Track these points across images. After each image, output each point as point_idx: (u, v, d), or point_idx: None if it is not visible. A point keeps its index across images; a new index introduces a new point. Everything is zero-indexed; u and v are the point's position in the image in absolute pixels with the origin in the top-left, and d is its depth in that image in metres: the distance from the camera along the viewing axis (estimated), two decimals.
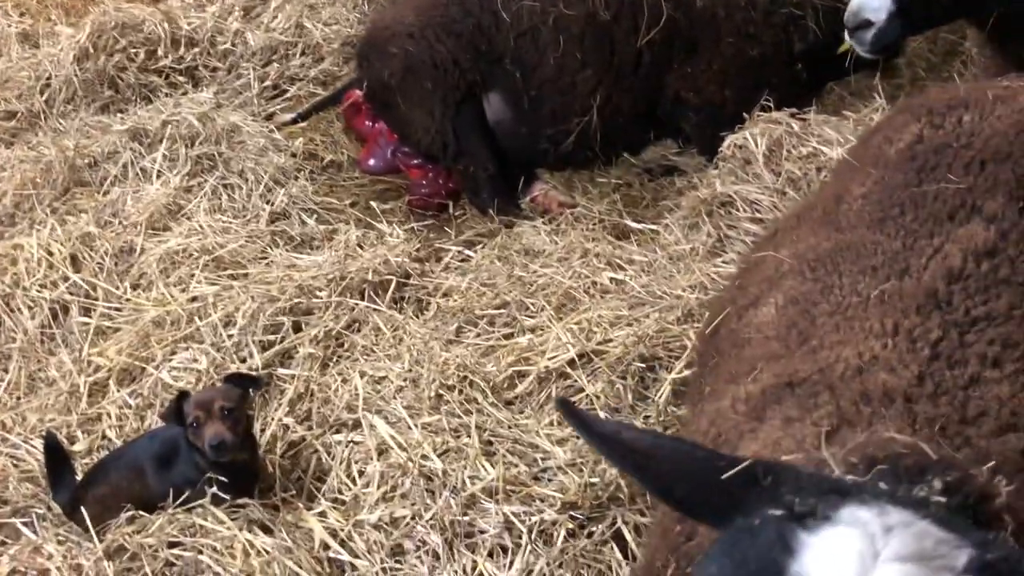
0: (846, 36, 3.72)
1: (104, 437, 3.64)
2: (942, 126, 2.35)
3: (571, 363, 3.65)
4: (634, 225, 4.74)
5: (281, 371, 3.84)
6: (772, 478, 1.31)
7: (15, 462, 3.58)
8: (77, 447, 3.61)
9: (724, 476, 1.31)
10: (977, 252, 1.97)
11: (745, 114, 4.73)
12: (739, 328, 2.34)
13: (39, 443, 3.53)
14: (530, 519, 3.06)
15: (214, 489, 3.11)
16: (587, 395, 3.51)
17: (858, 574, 1.16)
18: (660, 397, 3.50)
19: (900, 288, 1.94)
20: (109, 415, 3.70)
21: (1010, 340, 1.81)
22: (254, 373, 3.64)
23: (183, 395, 3.15)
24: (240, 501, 3.18)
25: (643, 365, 3.62)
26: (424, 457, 3.32)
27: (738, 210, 4.31)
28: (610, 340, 3.72)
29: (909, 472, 1.33)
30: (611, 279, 4.13)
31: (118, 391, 3.76)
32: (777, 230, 2.62)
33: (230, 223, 4.65)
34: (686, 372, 3.47)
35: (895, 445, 1.39)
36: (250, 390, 3.25)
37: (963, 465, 1.39)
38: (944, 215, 2.12)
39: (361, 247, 4.57)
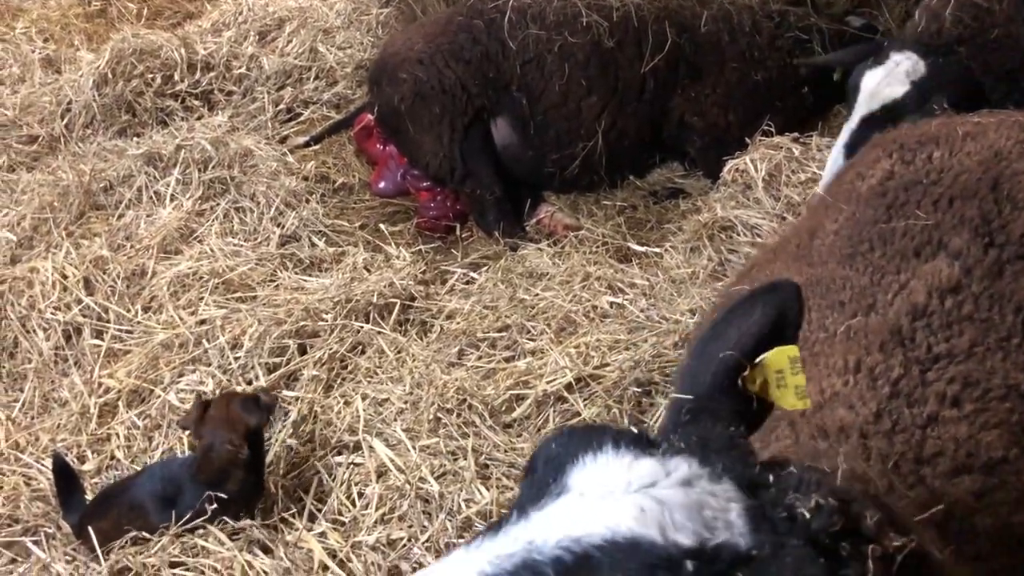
0: None
1: (113, 457, 3.73)
2: (912, 162, 2.39)
3: (568, 387, 3.70)
4: (637, 248, 4.79)
5: (286, 393, 3.92)
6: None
7: (27, 480, 3.67)
8: (87, 467, 3.70)
9: None
10: (941, 288, 1.99)
11: (747, 139, 4.78)
12: None
13: (50, 463, 3.62)
14: None
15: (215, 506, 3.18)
16: (583, 419, 3.56)
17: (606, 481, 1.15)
18: (656, 422, 3.54)
19: (865, 324, 1.97)
20: (118, 436, 3.79)
21: (971, 378, 1.82)
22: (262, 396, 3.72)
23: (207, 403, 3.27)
24: (241, 524, 3.25)
25: (639, 389, 3.66)
26: (422, 480, 3.38)
27: (738, 234, 4.36)
28: (607, 364, 3.77)
29: (793, 479, 1.20)
30: (611, 303, 4.19)
31: (127, 412, 3.86)
32: (753, 265, 2.66)
33: (240, 246, 4.75)
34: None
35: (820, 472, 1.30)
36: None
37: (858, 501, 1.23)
38: (911, 251, 2.15)
39: (368, 270, 4.65)
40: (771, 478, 1.19)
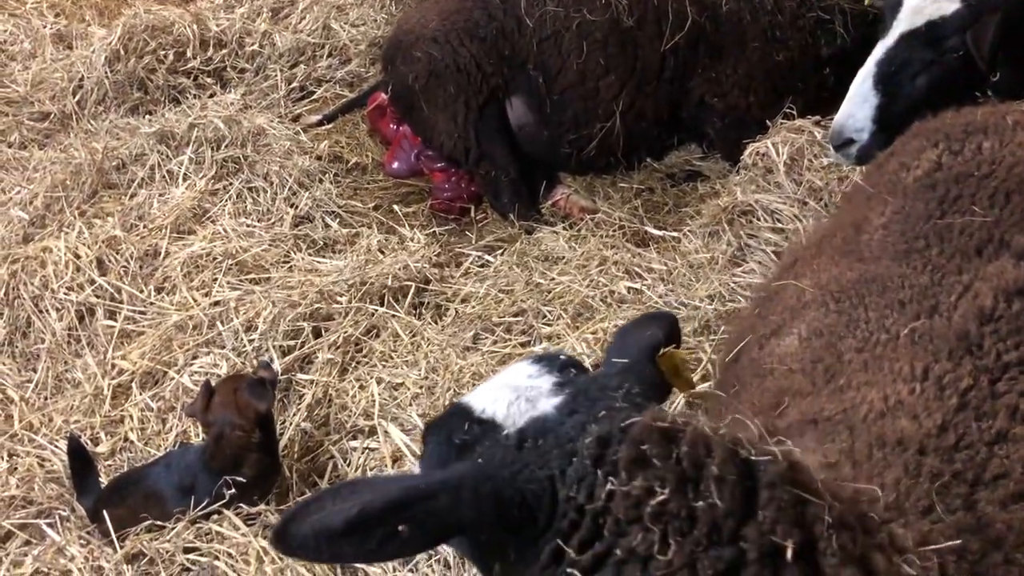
0: (830, 150, 3.77)
1: (126, 439, 3.72)
2: (960, 153, 2.29)
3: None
4: (655, 232, 4.73)
5: (300, 376, 3.89)
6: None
7: (41, 462, 3.66)
8: (100, 448, 3.68)
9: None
10: (1008, 291, 1.89)
11: (768, 121, 4.70)
12: (760, 358, 2.30)
13: (65, 444, 3.60)
14: None
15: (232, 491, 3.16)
16: None
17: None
18: (674, 410, 3.48)
19: (930, 328, 1.89)
20: (131, 418, 3.77)
21: None
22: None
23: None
24: (255, 509, 3.23)
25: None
26: None
27: (759, 219, 4.29)
28: None
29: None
30: (628, 288, 4.13)
31: (140, 394, 3.83)
32: (796, 259, 2.57)
33: (254, 227, 4.71)
34: (702, 386, 3.46)
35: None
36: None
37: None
38: (971, 250, 2.05)
39: (382, 252, 4.60)
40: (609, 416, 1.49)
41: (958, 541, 1.45)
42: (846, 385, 1.92)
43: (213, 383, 3.35)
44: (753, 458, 1.40)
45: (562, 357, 1.75)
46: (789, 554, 1.32)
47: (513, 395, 1.61)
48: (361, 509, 1.39)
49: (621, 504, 1.36)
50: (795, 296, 2.37)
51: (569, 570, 1.37)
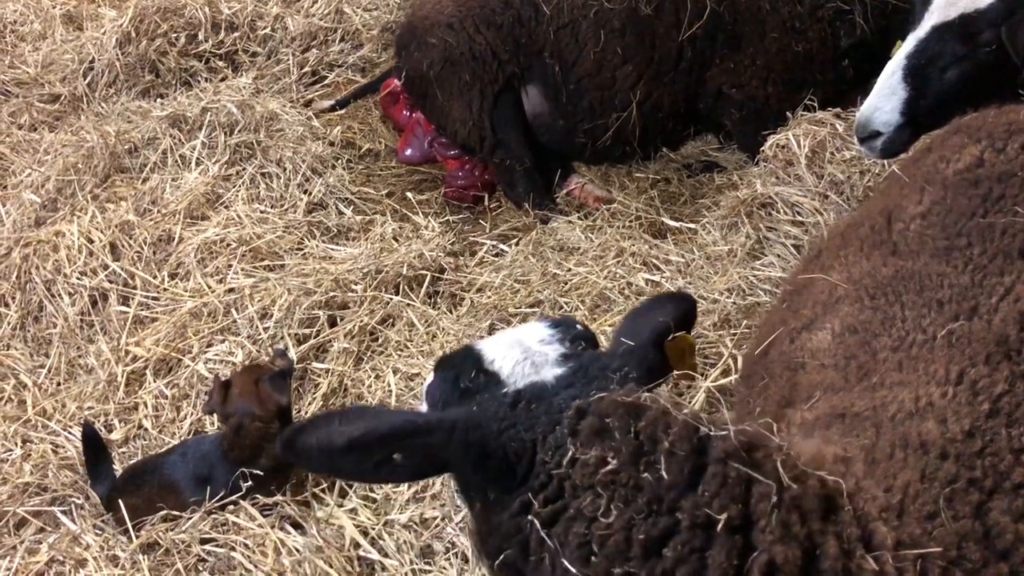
0: (855, 141, 3.69)
1: (140, 427, 3.69)
2: (1004, 151, 2.25)
3: None
4: (671, 223, 4.68)
5: (316, 365, 3.86)
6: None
7: (55, 449, 3.64)
8: (114, 436, 3.66)
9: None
10: None
11: (788, 113, 4.65)
12: (791, 351, 2.28)
13: (78, 431, 3.58)
14: None
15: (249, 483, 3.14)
16: None
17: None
18: (695, 404, 3.46)
19: (969, 330, 1.86)
20: (146, 405, 3.74)
21: None
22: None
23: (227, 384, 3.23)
24: (272, 500, 3.21)
25: (677, 371, 3.58)
26: None
27: (778, 212, 4.24)
28: None
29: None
30: (646, 280, 4.09)
31: (154, 382, 3.81)
32: (821, 250, 2.53)
33: (267, 213, 4.67)
34: (723, 380, 3.44)
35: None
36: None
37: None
38: (1015, 252, 2.01)
39: (397, 240, 4.57)
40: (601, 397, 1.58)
41: (939, 548, 1.46)
42: (879, 384, 1.90)
43: (223, 377, 3.34)
44: (712, 434, 1.51)
45: (578, 327, 1.86)
46: (719, 526, 1.42)
47: (522, 355, 1.74)
48: (364, 432, 1.58)
49: (579, 470, 1.51)
50: (826, 290, 2.34)
51: (530, 517, 1.54)
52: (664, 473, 1.46)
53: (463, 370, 1.78)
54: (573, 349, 1.76)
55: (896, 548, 1.47)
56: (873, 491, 1.55)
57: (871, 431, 1.71)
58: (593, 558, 1.47)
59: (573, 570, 1.48)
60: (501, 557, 1.62)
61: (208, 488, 3.13)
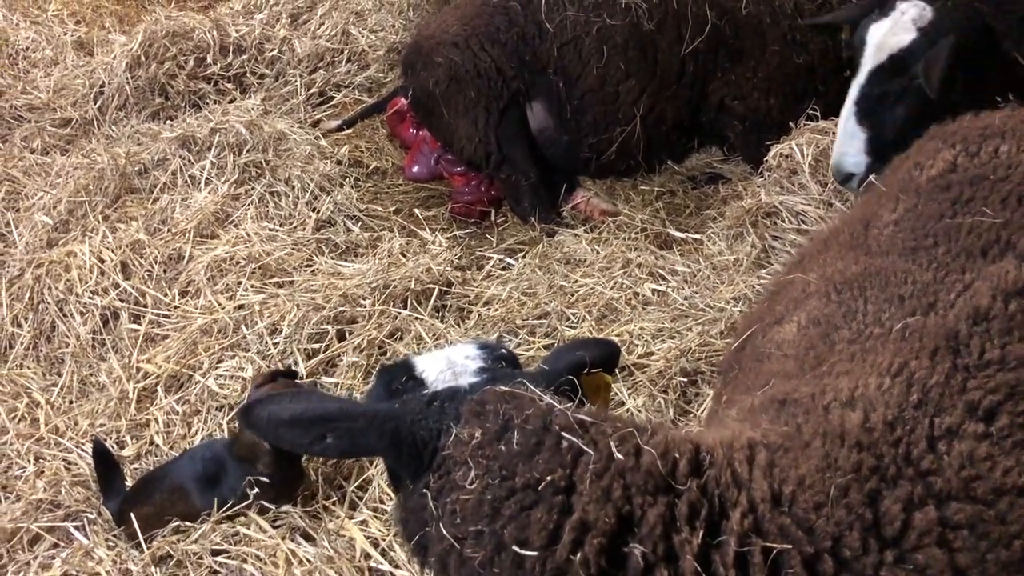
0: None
1: (152, 443, 3.72)
2: (977, 155, 2.30)
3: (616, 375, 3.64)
4: (677, 234, 4.71)
5: (325, 379, 3.89)
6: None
7: (68, 466, 3.66)
8: (126, 452, 3.69)
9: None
10: (1006, 291, 1.89)
11: (791, 123, 4.68)
12: (761, 344, 2.35)
13: (91, 448, 3.61)
14: None
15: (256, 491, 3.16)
16: (628, 408, 3.51)
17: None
18: (702, 412, 3.48)
19: (923, 325, 1.88)
20: (157, 421, 3.77)
21: (1017, 389, 1.71)
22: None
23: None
24: (283, 509, 3.22)
25: (685, 379, 3.60)
26: None
27: (783, 221, 4.27)
28: (652, 353, 3.71)
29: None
30: (653, 290, 4.12)
31: (166, 398, 3.84)
32: (804, 255, 2.59)
33: (276, 231, 4.72)
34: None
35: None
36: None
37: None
38: (977, 250, 2.05)
39: (404, 255, 4.61)
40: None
41: (789, 546, 1.54)
42: (827, 372, 1.94)
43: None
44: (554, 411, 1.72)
45: (502, 350, 2.10)
46: (542, 485, 1.62)
47: (446, 366, 1.95)
48: (303, 411, 1.85)
49: (457, 447, 1.72)
50: (801, 288, 2.40)
51: (424, 490, 1.76)
52: (515, 444, 1.67)
53: (396, 376, 2.00)
54: (493, 365, 1.97)
55: (758, 535, 1.56)
56: (760, 481, 1.62)
57: (801, 418, 1.75)
58: (457, 520, 1.67)
59: (445, 533, 1.69)
60: (416, 538, 1.82)
61: (217, 490, 3.15)
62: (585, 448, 1.65)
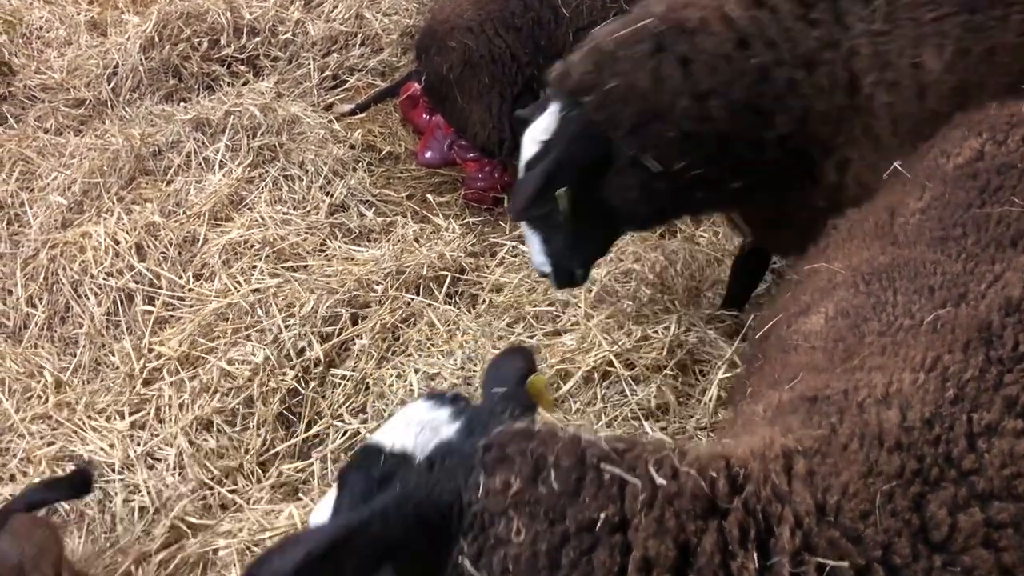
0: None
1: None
2: (1004, 143, 2.27)
3: (614, 363, 3.66)
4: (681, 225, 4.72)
5: (335, 371, 3.90)
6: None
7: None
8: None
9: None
10: None
11: None
12: (787, 335, 2.32)
13: (103, 425, 3.64)
14: None
15: None
16: (629, 397, 3.53)
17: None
18: (707, 398, 3.49)
19: (955, 317, 1.86)
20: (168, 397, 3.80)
21: None
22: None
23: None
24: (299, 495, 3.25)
25: (687, 362, 3.62)
26: None
27: None
28: (655, 340, 3.72)
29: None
30: (657, 277, 4.13)
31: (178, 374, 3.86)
32: (828, 244, 2.57)
33: (290, 214, 4.73)
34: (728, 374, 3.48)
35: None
36: None
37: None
38: (1007, 240, 2.03)
39: (418, 241, 4.62)
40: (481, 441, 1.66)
41: (845, 563, 1.49)
42: (858, 366, 1.91)
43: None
44: (586, 441, 1.62)
45: (450, 394, 1.94)
46: (598, 526, 1.51)
47: (418, 427, 1.77)
48: (307, 553, 1.49)
49: (491, 499, 1.56)
50: (826, 278, 2.38)
51: (460, 558, 1.56)
52: (555, 484, 1.55)
53: (371, 463, 1.76)
54: (458, 407, 1.84)
55: (808, 552, 1.50)
56: (802, 493, 1.57)
57: (835, 417, 1.72)
58: None
59: None
60: None
61: None
62: (629, 478, 1.56)
